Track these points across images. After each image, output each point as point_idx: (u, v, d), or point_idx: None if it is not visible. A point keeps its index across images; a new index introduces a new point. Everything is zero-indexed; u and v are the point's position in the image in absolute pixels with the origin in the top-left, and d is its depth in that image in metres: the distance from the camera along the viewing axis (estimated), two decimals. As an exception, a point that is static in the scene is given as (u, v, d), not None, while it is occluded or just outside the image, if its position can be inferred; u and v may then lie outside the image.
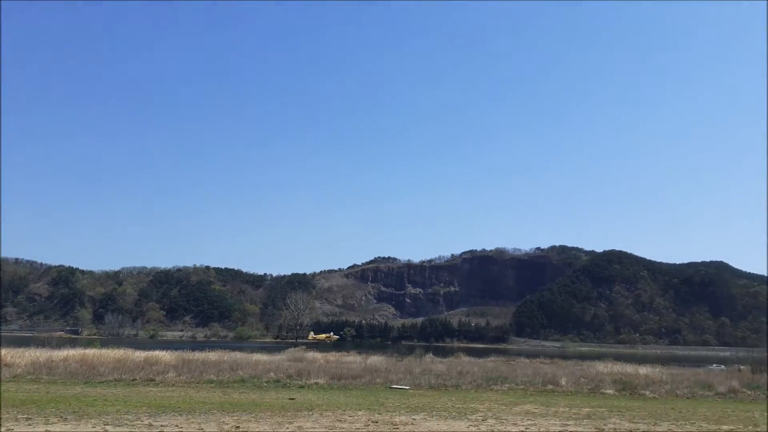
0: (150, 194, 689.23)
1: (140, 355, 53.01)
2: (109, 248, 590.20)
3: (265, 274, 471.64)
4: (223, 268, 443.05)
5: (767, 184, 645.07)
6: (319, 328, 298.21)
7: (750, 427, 22.42)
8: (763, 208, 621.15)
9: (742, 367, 61.90)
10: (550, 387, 38.63)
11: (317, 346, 71.58)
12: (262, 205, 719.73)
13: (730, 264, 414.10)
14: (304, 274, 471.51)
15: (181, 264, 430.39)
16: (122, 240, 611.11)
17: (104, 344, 71.79)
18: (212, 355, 58.27)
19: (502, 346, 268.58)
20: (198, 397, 28.96)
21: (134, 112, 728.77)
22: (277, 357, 63.77)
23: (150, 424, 19.73)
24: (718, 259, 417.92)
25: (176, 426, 19.55)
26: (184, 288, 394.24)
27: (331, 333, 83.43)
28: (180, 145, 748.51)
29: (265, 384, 37.26)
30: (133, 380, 37.25)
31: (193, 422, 20.43)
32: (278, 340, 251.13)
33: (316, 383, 37.86)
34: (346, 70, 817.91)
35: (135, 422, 20.15)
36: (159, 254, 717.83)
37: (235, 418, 21.74)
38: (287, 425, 20.30)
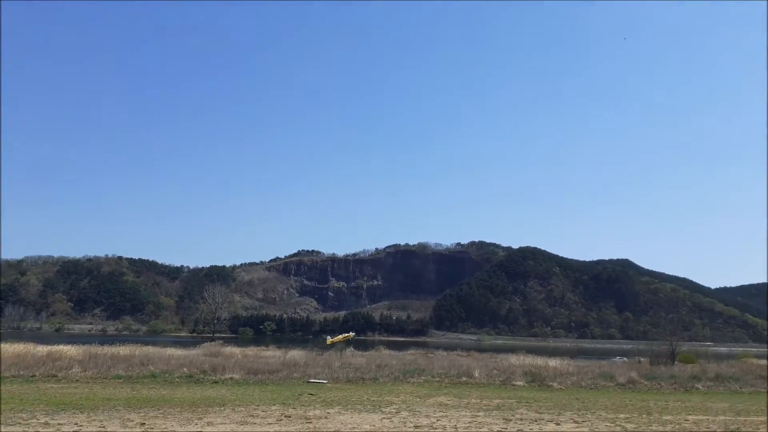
0: (56, 177, 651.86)
1: (42, 349, 49.82)
2: (11, 235, 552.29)
3: (181, 266, 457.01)
4: (136, 258, 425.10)
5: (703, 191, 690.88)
6: (238, 321, 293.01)
7: (644, 416, 23.96)
8: (667, 210, 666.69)
9: (642, 359, 66.07)
10: (464, 379, 39.62)
11: (333, 347, 70.20)
12: (180, 195, 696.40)
13: (634, 262, 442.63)
14: (224, 267, 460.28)
15: (91, 254, 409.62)
16: (25, 226, 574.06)
17: (3, 338, 66.99)
18: (122, 350, 55.62)
19: (421, 339, 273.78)
20: (103, 393, 27.58)
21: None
22: (192, 352, 61.72)
23: (46, 423, 18.61)
24: (624, 258, 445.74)
25: (76, 424, 18.54)
26: (94, 279, 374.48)
27: (351, 333, 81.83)
28: (90, 127, 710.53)
29: (177, 379, 36.02)
30: (32, 376, 34.92)
31: (94, 420, 19.44)
32: (194, 334, 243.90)
33: (231, 378, 36.97)
34: (254, 57, 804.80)
35: (30, 421, 18.95)
36: (67, 243, 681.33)
37: (142, 414, 20.89)
38: (196, 421, 19.73)
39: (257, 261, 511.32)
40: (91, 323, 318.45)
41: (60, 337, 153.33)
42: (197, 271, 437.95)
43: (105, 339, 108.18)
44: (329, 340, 74.61)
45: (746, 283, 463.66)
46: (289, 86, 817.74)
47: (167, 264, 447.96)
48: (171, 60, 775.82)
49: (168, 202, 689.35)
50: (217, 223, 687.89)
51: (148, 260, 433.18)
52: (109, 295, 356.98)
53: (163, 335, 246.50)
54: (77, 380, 34.15)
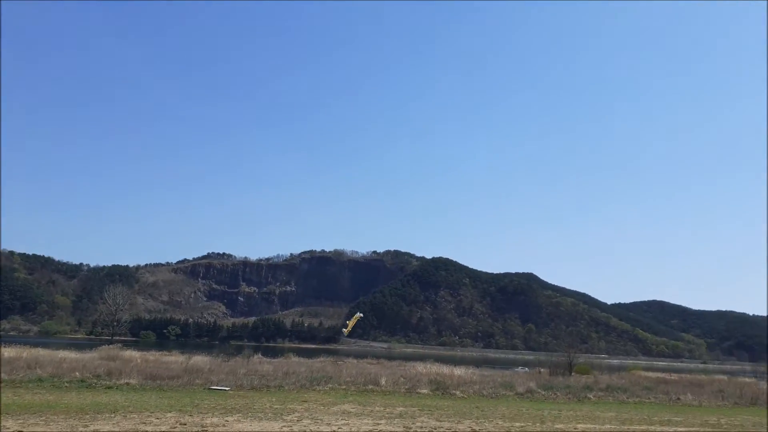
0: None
1: None
2: None
3: (81, 263, 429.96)
4: (30, 254, 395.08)
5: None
6: (140, 325, 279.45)
7: (537, 424, 24.97)
8: (570, 228, 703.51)
9: (542, 369, 68.94)
10: (370, 387, 39.72)
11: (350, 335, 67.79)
12: (82, 188, 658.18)
13: (538, 276, 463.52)
14: (127, 267, 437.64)
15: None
16: None
17: None
18: (7, 351, 51.71)
19: (333, 346, 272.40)
20: (-22, 399, 25.37)
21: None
22: (87, 355, 58.18)
23: None
24: (529, 271, 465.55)
25: (-59, 434, 16.94)
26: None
27: (359, 314, 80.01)
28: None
29: (66, 384, 33.75)
30: None
31: (-36, 429, 17.85)
32: (92, 336, 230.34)
33: (128, 384, 35.12)
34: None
35: None
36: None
37: (20, 422, 19.36)
38: (81, 429, 18.52)
39: (163, 262, 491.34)
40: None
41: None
42: (98, 270, 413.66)
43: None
44: (346, 330, 72.56)
45: (638, 300, 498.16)
46: (203, 84, 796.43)
47: (65, 261, 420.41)
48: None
49: (68, 194, 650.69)
50: (121, 219, 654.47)
51: (43, 256, 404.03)
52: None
53: (57, 337, 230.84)
54: (-50, 384, 31.25)
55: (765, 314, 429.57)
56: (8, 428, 18.08)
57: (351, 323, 74.04)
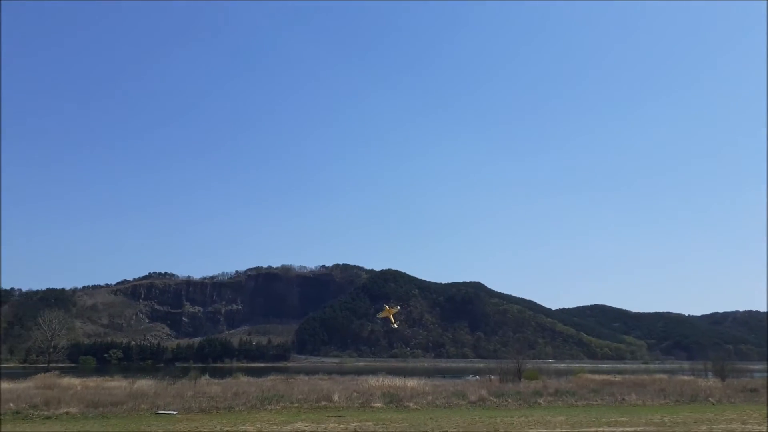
0: None
1: None
2: None
3: (11, 288, 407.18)
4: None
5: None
6: (78, 350, 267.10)
7: (491, 431, 25.24)
8: (513, 236, 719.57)
9: (492, 377, 69.81)
10: (323, 403, 39.26)
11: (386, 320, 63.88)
12: (11, 209, 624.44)
13: (485, 285, 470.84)
14: (63, 290, 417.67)
15: None
16: None
17: None
18: (-70, 386, 48.38)
19: (282, 364, 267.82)
20: None
21: None
22: (22, 384, 55.33)
23: None
24: (476, 280, 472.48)
25: None
26: None
27: (397, 306, 76.47)
28: None
29: (1, 417, 31.84)
30: None
31: None
32: (26, 365, 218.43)
33: (67, 413, 33.49)
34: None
35: None
36: None
37: (-50, 462, 18.11)
38: (20, 466, 17.49)
39: (102, 284, 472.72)
40: None
41: None
42: (31, 295, 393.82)
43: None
44: (382, 314, 69.61)
45: (581, 305, 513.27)
46: (139, 100, 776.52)
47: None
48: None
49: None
50: (55, 240, 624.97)
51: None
52: None
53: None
54: None
55: (699, 314, 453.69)
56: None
57: (390, 314, 72.03)
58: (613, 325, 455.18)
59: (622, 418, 31.14)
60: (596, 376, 79.96)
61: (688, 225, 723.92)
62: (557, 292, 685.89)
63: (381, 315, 73.32)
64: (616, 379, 72.71)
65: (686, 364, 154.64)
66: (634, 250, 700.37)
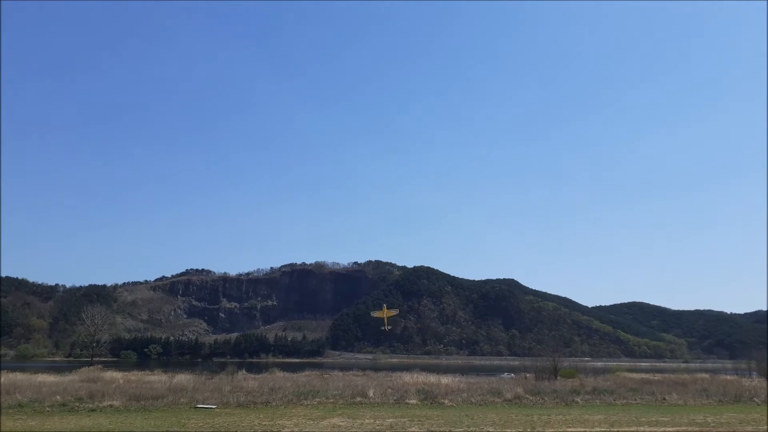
0: None
1: None
2: None
3: (56, 285, 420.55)
4: (4, 276, 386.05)
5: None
6: (120, 345, 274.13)
7: (528, 429, 25.00)
8: (549, 233, 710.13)
9: (527, 375, 69.09)
10: (358, 399, 39.44)
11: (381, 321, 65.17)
12: (55, 208, 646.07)
13: (519, 282, 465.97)
14: (104, 286, 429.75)
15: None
16: None
17: None
18: (-17, 378, 50.37)
19: (317, 359, 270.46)
20: (-44, 428, 24.66)
21: None
22: (68, 378, 57.06)
23: None
24: (510, 277, 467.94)
25: None
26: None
27: (396, 310, 79.22)
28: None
29: (48, 408, 32.96)
30: None
31: (-56, 460, 17.28)
32: (71, 359, 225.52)
33: (111, 405, 34.36)
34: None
35: None
36: None
37: (3, 451, 18.85)
38: (68, 456, 18.08)
39: (141, 280, 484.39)
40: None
41: None
42: (74, 291, 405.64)
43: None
44: (377, 313, 70.64)
45: (618, 302, 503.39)
46: (171, 102, 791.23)
47: (40, 283, 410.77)
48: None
49: (41, 216, 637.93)
50: (97, 238, 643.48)
51: (17, 278, 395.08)
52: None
53: (35, 360, 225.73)
54: (-75, 414, 30.27)
55: (742, 312, 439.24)
56: (-10, 457, 17.59)
57: (384, 317, 72.28)
58: (652, 322, 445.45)
59: (663, 418, 30.47)
60: (635, 375, 78.45)
61: (730, 220, 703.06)
62: (593, 289, 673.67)
63: (376, 314, 73.15)
64: (656, 377, 71.14)
65: (729, 363, 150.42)
66: (673, 246, 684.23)
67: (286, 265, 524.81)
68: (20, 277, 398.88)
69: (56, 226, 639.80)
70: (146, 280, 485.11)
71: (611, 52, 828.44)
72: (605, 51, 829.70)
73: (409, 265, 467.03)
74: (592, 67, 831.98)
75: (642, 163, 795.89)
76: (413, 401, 38.98)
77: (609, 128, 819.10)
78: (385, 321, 72.79)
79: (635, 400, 42.24)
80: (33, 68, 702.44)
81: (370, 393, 41.48)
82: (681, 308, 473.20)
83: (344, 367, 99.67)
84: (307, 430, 24.56)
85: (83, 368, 78.65)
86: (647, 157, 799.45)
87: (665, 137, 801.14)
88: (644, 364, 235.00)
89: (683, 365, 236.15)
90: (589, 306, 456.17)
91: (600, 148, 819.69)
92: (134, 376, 63.85)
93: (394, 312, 75.14)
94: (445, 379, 57.15)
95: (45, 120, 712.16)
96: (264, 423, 26.69)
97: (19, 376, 54.54)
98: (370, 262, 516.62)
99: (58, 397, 36.84)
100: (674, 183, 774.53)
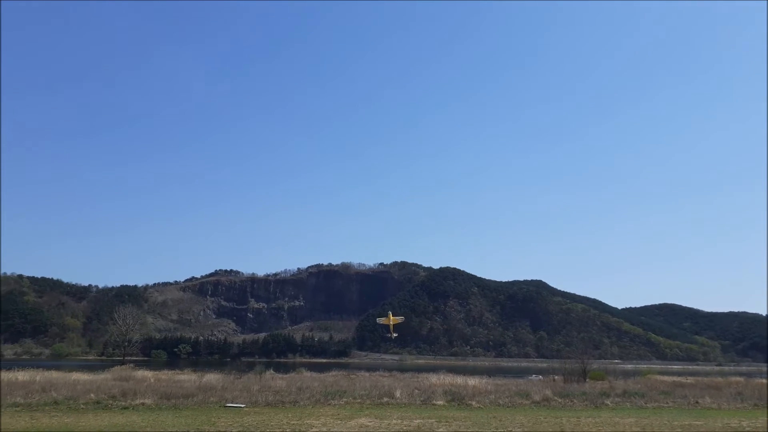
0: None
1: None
2: None
3: (89, 285, 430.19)
4: (39, 277, 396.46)
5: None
6: (150, 344, 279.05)
7: None
8: (577, 235, 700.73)
9: (556, 377, 68.23)
10: (385, 399, 39.49)
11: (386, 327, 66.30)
12: (88, 211, 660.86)
13: (548, 283, 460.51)
14: (135, 287, 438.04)
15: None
16: None
17: None
18: (21, 375, 51.77)
19: (344, 360, 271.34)
20: (-3, 424, 25.39)
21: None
22: (101, 376, 58.30)
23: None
24: (538, 279, 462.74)
25: (-36, 460, 16.92)
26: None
27: (400, 317, 78.89)
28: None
29: (82, 406, 33.71)
30: None
31: (-15, 454, 17.84)
32: (103, 358, 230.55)
33: (143, 404, 35.04)
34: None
35: None
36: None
37: (41, 446, 19.36)
38: (103, 452, 18.50)
39: (171, 281, 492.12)
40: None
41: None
42: (107, 291, 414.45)
43: (2, 364, 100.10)
44: (383, 319, 71.26)
45: (649, 303, 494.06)
46: (197, 106, 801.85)
47: (74, 283, 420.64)
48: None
49: (75, 218, 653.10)
50: (128, 240, 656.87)
51: (52, 279, 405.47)
52: (7, 317, 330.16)
53: (69, 359, 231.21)
54: (-33, 410, 31.26)
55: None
56: (29, 452, 18.09)
57: (390, 324, 72.31)
58: (684, 324, 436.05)
59: (697, 422, 29.85)
60: (666, 378, 77.00)
61: (764, 220, 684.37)
62: (623, 291, 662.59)
63: (382, 320, 72.84)
64: (688, 380, 69.65)
65: (765, 367, 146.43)
66: (706, 246, 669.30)
67: (312, 266, 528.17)
68: (55, 278, 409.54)
69: (89, 228, 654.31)
70: (176, 281, 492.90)
71: (646, 51, 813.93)
72: (640, 49, 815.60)
73: (435, 266, 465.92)
74: (625, 66, 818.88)
75: (674, 164, 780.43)
76: (440, 402, 38.86)
77: (637, 130, 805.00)
78: (391, 328, 72.72)
79: (667, 403, 41.44)
80: (71, 71, 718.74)
81: (397, 394, 41.48)
82: (714, 310, 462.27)
83: (370, 368, 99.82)
84: (335, 429, 24.69)
85: (115, 367, 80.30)
86: (679, 158, 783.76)
87: (697, 137, 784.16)
88: (676, 367, 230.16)
89: (716, 368, 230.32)
90: (619, 308, 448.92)
91: (630, 141, 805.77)
92: (165, 375, 64.92)
93: (399, 319, 74.97)
94: (472, 381, 56.81)
95: (77, 124, 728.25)
96: (292, 422, 26.92)
97: (54, 375, 55.90)
98: (395, 263, 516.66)
99: (92, 395, 37.67)
100: (708, 183, 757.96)
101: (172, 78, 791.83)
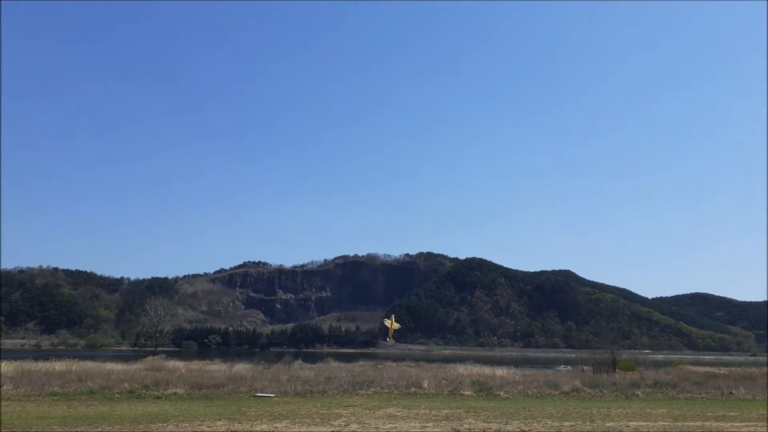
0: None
1: (-31, 367, 46.90)
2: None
3: (121, 277, 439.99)
4: (73, 270, 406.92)
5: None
6: (181, 335, 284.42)
7: (588, 423, 24.52)
8: (606, 223, 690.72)
9: (585, 367, 67.56)
10: (413, 390, 39.62)
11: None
12: (119, 205, 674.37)
13: (576, 273, 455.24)
14: (166, 279, 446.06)
15: (24, 265, 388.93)
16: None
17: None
18: (58, 365, 53.06)
19: (371, 350, 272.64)
20: (37, 411, 26.17)
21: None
22: (134, 366, 59.42)
23: (-27, 446, 17.46)
24: (566, 268, 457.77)
25: (6, 446, 17.49)
26: (27, 291, 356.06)
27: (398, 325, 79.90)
28: (23, 133, 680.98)
29: (117, 395, 34.51)
30: (-43, 396, 32.79)
31: (26, 441, 18.39)
32: (136, 348, 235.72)
33: (175, 393, 35.73)
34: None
35: (-46, 444, 17.74)
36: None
37: (78, 434, 19.90)
38: (137, 440, 18.94)
39: (201, 273, 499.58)
40: (23, 338, 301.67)
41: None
42: (138, 283, 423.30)
43: (39, 354, 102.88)
44: (390, 339, 72.15)
45: (680, 293, 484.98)
46: (227, 98, 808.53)
47: (106, 275, 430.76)
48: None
49: (107, 211, 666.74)
50: (158, 233, 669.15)
51: (85, 272, 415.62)
52: (43, 309, 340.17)
53: (103, 349, 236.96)
54: (8, 398, 32.27)
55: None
56: (67, 440, 18.61)
57: (391, 329, 72.60)
58: (716, 314, 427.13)
59: (731, 413, 29.28)
60: (698, 368, 75.60)
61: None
62: (654, 281, 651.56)
63: (388, 323, 72.92)
64: (721, 371, 68.22)
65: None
66: (739, 235, 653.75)
67: (339, 257, 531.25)
68: (89, 271, 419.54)
69: (121, 221, 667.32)
70: (206, 273, 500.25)
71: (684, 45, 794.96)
72: (677, 41, 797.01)
73: (461, 257, 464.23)
74: (660, 56, 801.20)
75: (707, 151, 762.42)
76: (468, 393, 38.82)
77: (668, 119, 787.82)
78: (390, 333, 72.73)
79: (699, 394, 40.74)
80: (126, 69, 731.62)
81: (425, 384, 41.53)
82: (748, 299, 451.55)
83: (397, 358, 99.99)
84: (363, 418, 24.87)
85: (148, 357, 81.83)
86: (712, 145, 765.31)
87: (726, 126, 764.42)
88: (708, 357, 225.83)
89: (751, 358, 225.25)
90: (650, 297, 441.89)
91: (658, 129, 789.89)
92: (195, 365, 65.87)
93: (397, 326, 75.27)
94: (500, 371, 56.58)
95: (112, 116, 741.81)
96: (321, 412, 27.19)
97: (89, 365, 57.16)
98: (421, 254, 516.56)
99: (125, 384, 38.52)
100: (742, 170, 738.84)
101: (209, 67, 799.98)
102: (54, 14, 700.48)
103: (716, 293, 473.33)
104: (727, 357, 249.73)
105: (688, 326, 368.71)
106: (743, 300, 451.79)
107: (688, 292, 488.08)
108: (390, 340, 72.40)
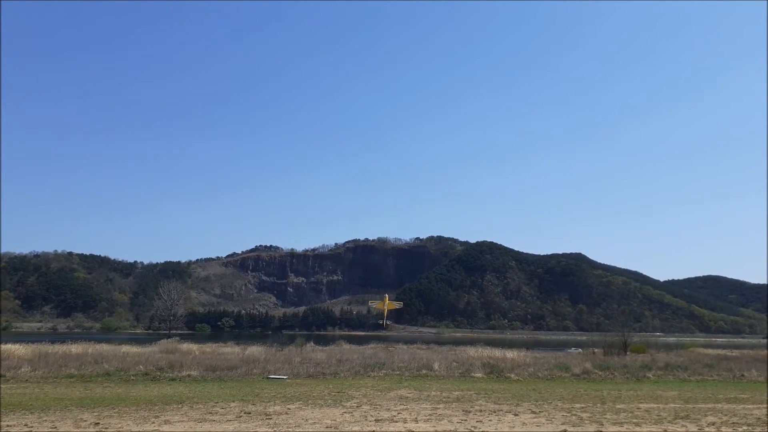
0: (4, 173, 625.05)
1: (-12, 349, 47.68)
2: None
3: (135, 261, 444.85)
4: (88, 254, 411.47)
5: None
6: (195, 318, 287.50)
7: (598, 405, 24.62)
8: (617, 205, 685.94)
9: (596, 350, 67.60)
10: (424, 372, 39.91)
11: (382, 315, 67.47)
12: (133, 190, 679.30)
13: (587, 255, 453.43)
14: (179, 262, 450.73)
15: (39, 249, 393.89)
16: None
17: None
18: (74, 348, 53.89)
19: (382, 333, 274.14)
20: (55, 393, 26.68)
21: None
22: (148, 349, 60.23)
23: (-6, 426, 17.86)
24: (577, 251, 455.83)
25: (26, 425, 17.85)
26: (42, 276, 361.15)
27: (399, 303, 78.84)
28: (39, 123, 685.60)
29: (132, 377, 35.10)
30: (-23, 378, 33.47)
31: (45, 420, 18.75)
32: (150, 331, 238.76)
33: (189, 375, 36.24)
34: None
35: (-24, 424, 18.14)
36: (14, 239, 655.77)
37: (96, 414, 20.25)
38: (153, 420, 19.25)
39: (213, 256, 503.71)
40: (40, 321, 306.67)
41: (7, 335, 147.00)
42: (152, 267, 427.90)
43: (56, 337, 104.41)
44: (377, 303, 71.39)
45: (692, 276, 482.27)
46: (244, 89, 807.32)
47: (120, 260, 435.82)
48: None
49: (121, 197, 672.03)
50: (171, 217, 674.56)
51: (100, 256, 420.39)
52: (59, 292, 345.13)
53: (118, 332, 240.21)
54: (27, 380, 32.92)
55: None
56: (85, 420, 18.97)
57: (384, 309, 72.28)
58: (729, 297, 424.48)
59: (743, 395, 29.26)
60: (710, 351, 75.41)
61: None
62: (665, 263, 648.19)
63: (376, 305, 71.79)
64: (733, 353, 68.02)
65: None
66: (751, 216, 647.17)
67: (350, 241, 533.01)
68: (103, 255, 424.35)
69: (134, 206, 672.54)
70: (218, 257, 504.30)
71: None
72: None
73: (472, 240, 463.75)
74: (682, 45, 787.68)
75: (720, 133, 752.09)
76: (479, 375, 39.05)
77: (683, 104, 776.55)
78: (385, 314, 71.84)
79: (711, 376, 40.74)
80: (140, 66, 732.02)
81: (436, 366, 41.81)
82: (761, 282, 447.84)
83: (408, 341, 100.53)
84: (375, 400, 25.13)
85: (162, 340, 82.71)
86: (724, 128, 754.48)
87: (744, 109, 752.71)
88: (720, 340, 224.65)
89: (764, 341, 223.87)
90: (662, 280, 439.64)
91: (673, 113, 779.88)
92: (209, 348, 66.59)
93: (397, 305, 73.63)
94: (511, 354, 56.72)
95: (123, 106, 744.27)
96: (333, 393, 27.50)
97: (105, 347, 57.96)
98: (431, 237, 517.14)
99: (141, 366, 39.09)
100: (753, 152, 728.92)
101: (230, 61, 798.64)
102: (54, 14, 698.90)
103: (729, 276, 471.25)
104: (740, 339, 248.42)
105: (700, 309, 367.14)
106: (756, 282, 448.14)
107: (701, 274, 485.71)
108: (384, 322, 72.16)
